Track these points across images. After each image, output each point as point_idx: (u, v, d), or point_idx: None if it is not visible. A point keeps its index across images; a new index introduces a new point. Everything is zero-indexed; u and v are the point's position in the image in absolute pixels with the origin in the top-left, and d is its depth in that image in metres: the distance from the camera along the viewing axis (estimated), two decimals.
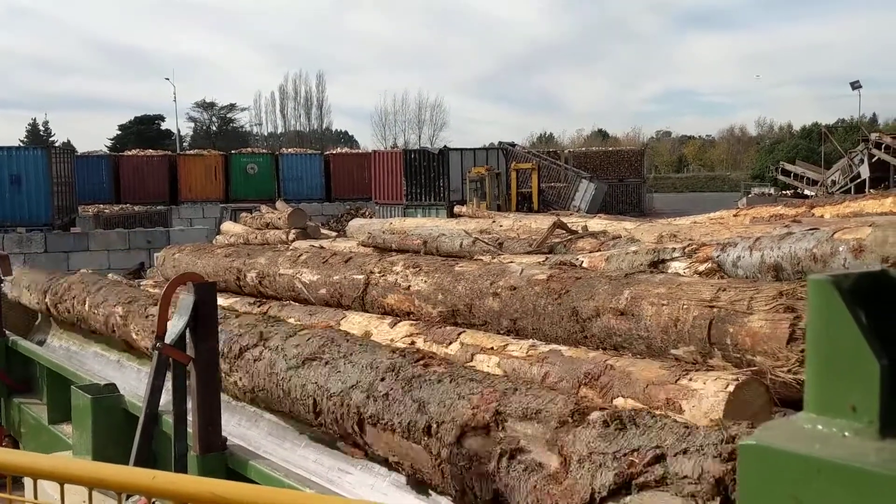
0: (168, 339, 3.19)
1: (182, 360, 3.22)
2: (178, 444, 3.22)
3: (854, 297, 0.92)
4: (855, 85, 54.81)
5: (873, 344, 0.87)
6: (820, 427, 0.90)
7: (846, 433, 0.88)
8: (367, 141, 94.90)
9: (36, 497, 1.48)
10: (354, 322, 4.98)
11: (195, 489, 1.22)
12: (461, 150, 33.88)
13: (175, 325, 3.19)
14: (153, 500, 3.60)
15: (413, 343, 4.37)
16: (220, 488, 1.19)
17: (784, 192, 39.27)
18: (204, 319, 3.15)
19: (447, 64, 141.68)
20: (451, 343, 4.13)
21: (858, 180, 31.42)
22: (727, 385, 2.93)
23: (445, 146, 34.85)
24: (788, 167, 43.14)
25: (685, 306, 3.33)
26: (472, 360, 3.95)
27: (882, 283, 0.96)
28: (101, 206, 36.70)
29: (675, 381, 3.09)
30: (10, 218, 25.56)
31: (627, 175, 41.07)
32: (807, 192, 36.66)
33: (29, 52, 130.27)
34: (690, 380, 3.05)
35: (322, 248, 7.12)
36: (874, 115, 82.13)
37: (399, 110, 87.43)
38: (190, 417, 3.29)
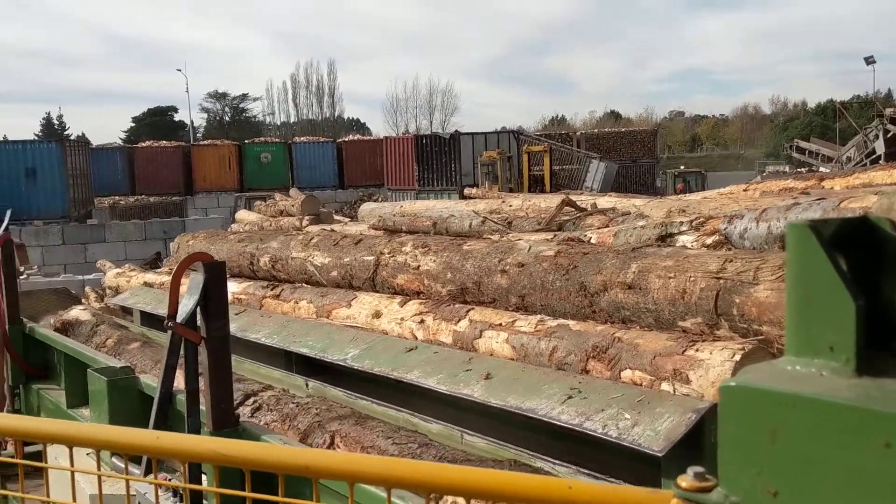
0: (179, 318, 3.24)
1: (193, 340, 3.26)
2: (190, 422, 3.27)
3: (834, 242, 0.93)
4: (869, 60, 54.23)
5: (849, 285, 0.89)
6: (798, 368, 0.92)
7: (823, 372, 0.90)
8: (379, 128, 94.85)
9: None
10: (365, 302, 5.01)
11: (200, 447, 1.26)
12: (472, 134, 33.82)
13: (186, 305, 3.23)
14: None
15: (422, 321, 4.41)
16: (224, 446, 1.22)
17: (799, 169, 38.98)
18: (214, 299, 3.19)
19: (457, 48, 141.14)
20: (459, 320, 4.15)
21: (874, 156, 31.14)
22: (733, 354, 2.95)
23: (457, 131, 34.81)
24: (803, 144, 42.81)
25: (692, 278, 3.34)
26: (480, 337, 3.98)
27: (862, 228, 0.98)
28: (117, 197, 36.97)
29: (682, 352, 3.10)
30: (26, 210, 25.73)
31: (640, 156, 40.88)
32: (822, 169, 36.35)
33: (41, 46, 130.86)
34: (697, 350, 3.07)
35: (333, 231, 7.16)
36: (889, 90, 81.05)
37: (410, 96, 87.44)
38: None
